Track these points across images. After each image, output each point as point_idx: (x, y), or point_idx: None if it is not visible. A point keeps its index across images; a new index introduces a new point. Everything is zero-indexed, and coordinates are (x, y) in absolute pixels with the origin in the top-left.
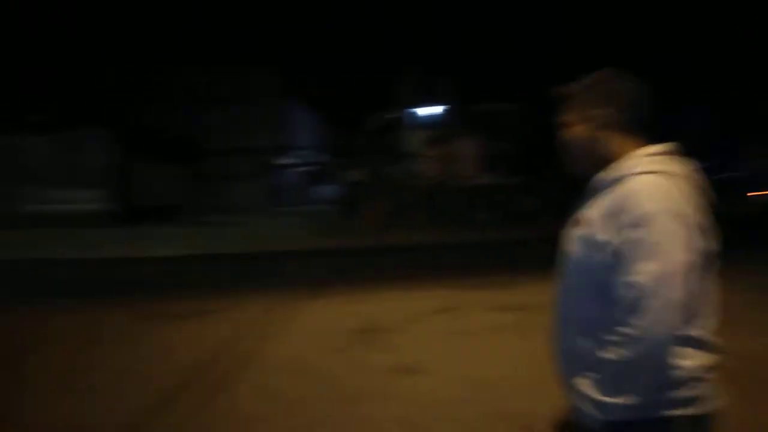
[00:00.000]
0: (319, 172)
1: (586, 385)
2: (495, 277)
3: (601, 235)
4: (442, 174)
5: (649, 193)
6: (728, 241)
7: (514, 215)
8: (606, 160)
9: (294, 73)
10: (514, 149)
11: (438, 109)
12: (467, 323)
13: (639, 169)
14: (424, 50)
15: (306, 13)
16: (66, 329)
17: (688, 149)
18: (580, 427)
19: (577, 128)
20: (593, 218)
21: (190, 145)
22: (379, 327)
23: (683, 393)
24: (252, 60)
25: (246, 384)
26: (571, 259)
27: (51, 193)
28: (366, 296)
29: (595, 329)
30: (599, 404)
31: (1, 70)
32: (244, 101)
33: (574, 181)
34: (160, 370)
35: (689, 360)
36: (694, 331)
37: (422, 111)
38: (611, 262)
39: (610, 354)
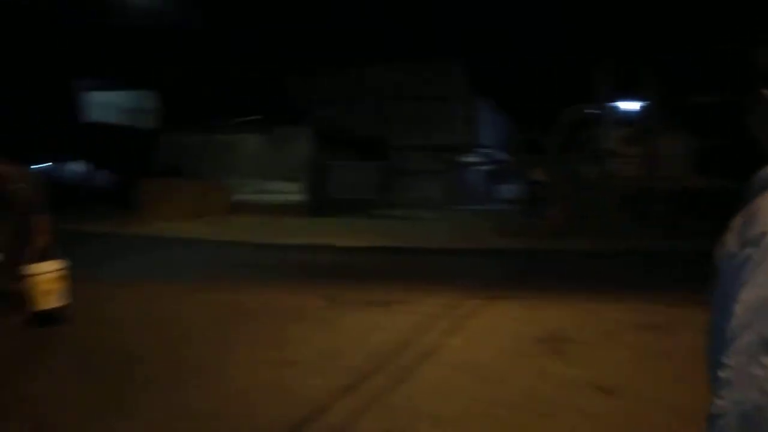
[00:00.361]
0: (502, 171)
1: None
2: (703, 293)
3: (731, 246)
4: (643, 174)
5: None
6: None
7: (728, 223)
8: None
9: (481, 68)
10: (733, 148)
11: (640, 103)
12: (672, 344)
13: None
14: (624, 39)
15: (492, 10)
16: (267, 308)
17: None
18: None
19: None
20: (734, 223)
21: (379, 142)
22: (567, 337)
23: None
24: (438, 56)
25: (424, 379)
26: (717, 267)
27: (259, 185)
28: (549, 302)
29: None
30: None
31: (234, 78)
32: (430, 98)
33: None
34: (346, 355)
35: None
36: None
37: (623, 105)
38: (734, 280)
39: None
